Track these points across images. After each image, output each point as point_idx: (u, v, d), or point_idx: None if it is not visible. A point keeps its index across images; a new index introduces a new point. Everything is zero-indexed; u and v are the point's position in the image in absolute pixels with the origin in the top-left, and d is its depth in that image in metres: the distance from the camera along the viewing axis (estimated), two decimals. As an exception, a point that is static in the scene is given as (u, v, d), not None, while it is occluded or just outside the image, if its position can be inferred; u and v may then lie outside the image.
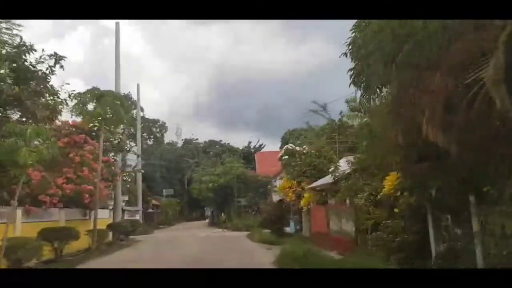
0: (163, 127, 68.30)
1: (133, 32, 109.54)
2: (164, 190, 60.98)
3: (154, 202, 49.42)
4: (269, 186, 37.96)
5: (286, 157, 25.95)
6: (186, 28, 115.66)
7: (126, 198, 35.63)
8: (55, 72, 14.36)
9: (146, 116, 66.80)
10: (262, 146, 65.65)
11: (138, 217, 35.33)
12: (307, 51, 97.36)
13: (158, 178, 69.35)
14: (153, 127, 67.82)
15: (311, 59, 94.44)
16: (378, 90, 8.46)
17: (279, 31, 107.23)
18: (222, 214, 38.80)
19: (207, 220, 51.04)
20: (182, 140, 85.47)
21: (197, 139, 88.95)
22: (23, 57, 13.22)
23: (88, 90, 19.42)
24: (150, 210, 46.88)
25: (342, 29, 9.18)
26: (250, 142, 78.01)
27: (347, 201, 14.84)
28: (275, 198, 38.47)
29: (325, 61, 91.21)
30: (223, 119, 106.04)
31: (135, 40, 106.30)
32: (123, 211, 34.52)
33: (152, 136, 68.63)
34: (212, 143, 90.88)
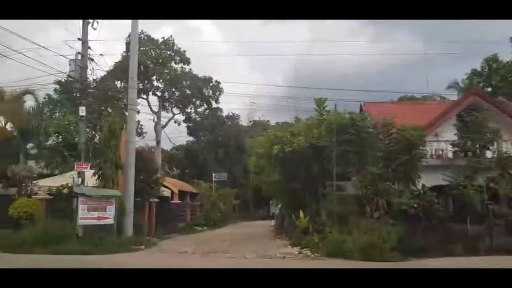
0: (216, 89, 48.53)
1: (213, 31, 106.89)
2: (214, 175, 41.58)
3: (174, 187, 29.92)
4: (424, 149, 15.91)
5: None
6: (263, 25, 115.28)
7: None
8: None
9: (194, 72, 48.25)
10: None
11: (111, 211, 15.73)
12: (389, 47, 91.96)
13: (210, 159, 50.54)
14: (204, 89, 48.51)
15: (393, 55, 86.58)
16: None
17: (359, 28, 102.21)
18: (301, 213, 17.78)
19: (272, 222, 30.26)
20: (250, 121, 65.84)
21: (268, 120, 67.65)
22: None
23: None
24: (175, 201, 27.46)
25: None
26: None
27: None
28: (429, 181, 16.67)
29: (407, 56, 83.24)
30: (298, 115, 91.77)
31: (215, 38, 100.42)
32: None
33: (203, 102, 49.46)
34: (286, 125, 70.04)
